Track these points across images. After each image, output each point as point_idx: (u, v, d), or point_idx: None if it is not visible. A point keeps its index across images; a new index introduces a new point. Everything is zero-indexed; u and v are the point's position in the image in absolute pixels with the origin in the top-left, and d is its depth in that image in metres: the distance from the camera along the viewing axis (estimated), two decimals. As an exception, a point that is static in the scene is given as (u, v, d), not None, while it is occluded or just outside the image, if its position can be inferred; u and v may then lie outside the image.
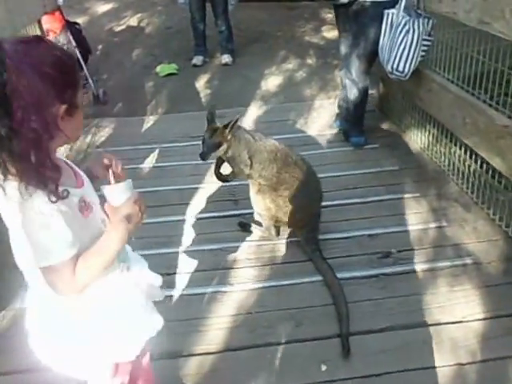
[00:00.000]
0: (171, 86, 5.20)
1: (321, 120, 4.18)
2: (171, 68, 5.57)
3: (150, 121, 4.40)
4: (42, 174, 1.08)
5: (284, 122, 4.19)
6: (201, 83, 5.27)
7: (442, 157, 3.26)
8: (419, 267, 2.46)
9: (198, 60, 5.73)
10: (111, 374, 1.43)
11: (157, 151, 3.79)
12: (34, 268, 1.18)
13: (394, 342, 2.06)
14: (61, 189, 1.12)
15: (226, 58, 5.71)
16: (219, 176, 2.65)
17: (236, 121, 2.40)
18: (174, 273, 2.51)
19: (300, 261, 2.55)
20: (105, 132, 4.18)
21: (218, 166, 2.64)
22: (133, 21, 7.32)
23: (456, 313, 2.18)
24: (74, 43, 4.99)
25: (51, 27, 5.01)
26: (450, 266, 2.45)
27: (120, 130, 4.20)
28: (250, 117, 4.31)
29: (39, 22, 3.83)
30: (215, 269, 2.52)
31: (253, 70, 5.50)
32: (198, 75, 5.44)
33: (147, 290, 1.46)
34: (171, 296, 2.36)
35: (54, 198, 1.10)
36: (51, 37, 4.98)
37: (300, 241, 2.61)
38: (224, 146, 2.42)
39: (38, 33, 3.81)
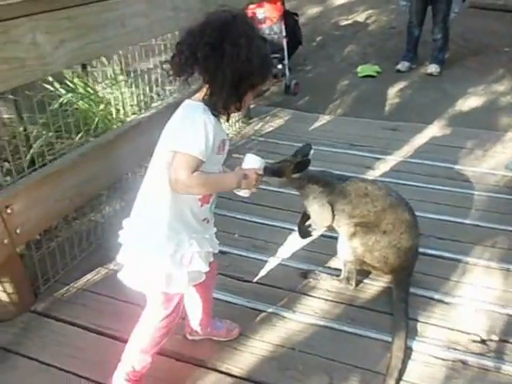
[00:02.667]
0: (363, 89, 4.91)
1: (502, 156, 3.51)
2: (372, 70, 5.25)
3: (322, 120, 4.21)
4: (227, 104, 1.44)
5: (457, 148, 3.62)
6: (394, 90, 4.87)
7: None
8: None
9: (403, 66, 5.29)
10: (162, 301, 1.62)
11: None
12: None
13: None
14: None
15: (433, 68, 5.16)
16: (300, 229, 2.42)
17: (304, 163, 2.08)
18: (249, 281, 2.36)
19: (377, 310, 2.17)
20: (276, 122, 4.13)
21: (302, 219, 2.39)
22: (361, 16, 7.07)
23: None
24: (284, 33, 5.01)
25: (269, 15, 5.10)
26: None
27: (290, 124, 4.11)
28: (424, 135, 3.82)
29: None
30: (289, 290, 2.30)
31: (456, 85, 4.87)
32: (395, 81, 5.03)
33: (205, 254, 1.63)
34: (233, 303, 2.22)
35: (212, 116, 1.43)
36: (267, 24, 5.09)
37: (390, 286, 2.22)
38: (282, 180, 2.13)
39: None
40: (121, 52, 3.70)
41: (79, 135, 3.37)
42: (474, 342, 2.01)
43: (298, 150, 2.17)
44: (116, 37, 2.38)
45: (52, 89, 3.51)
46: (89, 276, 2.40)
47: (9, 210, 1.94)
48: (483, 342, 2.01)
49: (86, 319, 2.15)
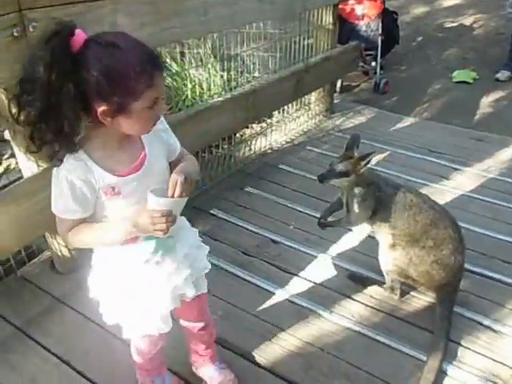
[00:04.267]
0: (455, 94, 4.57)
1: None
2: (468, 76, 4.87)
3: (406, 122, 3.97)
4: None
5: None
6: (487, 99, 4.48)
7: None
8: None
9: (502, 75, 4.87)
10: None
11: (385, 153, 3.41)
12: None
13: None
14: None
15: (535, 81, 4.70)
16: (323, 222, 2.16)
17: (372, 155, 1.91)
18: (294, 274, 2.28)
19: (418, 325, 2.01)
20: (358, 119, 3.96)
21: (329, 211, 2.18)
22: (467, 20, 6.58)
23: None
24: (380, 31, 4.79)
25: (368, 12, 4.90)
26: None
27: (372, 122, 3.92)
28: (510, 150, 3.48)
29: (335, 7, 3.70)
30: (331, 289, 2.19)
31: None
32: (491, 90, 4.64)
33: (179, 286, 1.39)
34: (273, 293, 2.16)
35: (58, 163, 1.16)
36: (364, 21, 4.88)
37: (434, 302, 2.05)
38: (350, 179, 1.94)
39: (330, 18, 3.66)
40: (215, 36, 3.71)
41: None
42: (515, 377, 1.80)
43: (348, 143, 2.00)
44: (196, 24, 2.36)
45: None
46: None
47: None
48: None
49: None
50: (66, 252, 2.22)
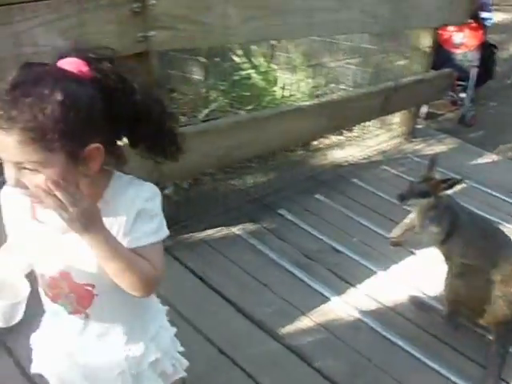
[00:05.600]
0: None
1: None
2: None
3: (487, 158, 3.90)
4: None
5: None
6: None
7: None
8: None
9: None
10: None
11: (463, 184, 3.37)
12: None
13: None
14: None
15: None
16: (395, 239, 2.23)
17: (458, 181, 1.96)
18: (352, 284, 2.33)
19: (470, 358, 2.01)
20: (438, 148, 3.92)
21: (403, 229, 2.21)
22: None
23: None
24: (476, 63, 4.73)
25: (467, 42, 4.84)
26: None
27: (452, 153, 3.88)
28: None
29: (434, 30, 3.72)
30: (388, 306, 2.23)
31: None
32: None
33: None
34: (329, 299, 2.23)
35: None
36: (461, 50, 4.85)
37: (491, 338, 2.05)
38: (430, 200, 1.99)
39: (428, 40, 3.68)
40: (307, 44, 3.84)
41: (249, 107, 3.58)
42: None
43: (428, 164, 2.07)
44: (301, 25, 2.48)
45: (238, 61, 3.77)
46: (212, 231, 2.57)
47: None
48: None
49: (195, 265, 2.32)
50: None
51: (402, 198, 2.02)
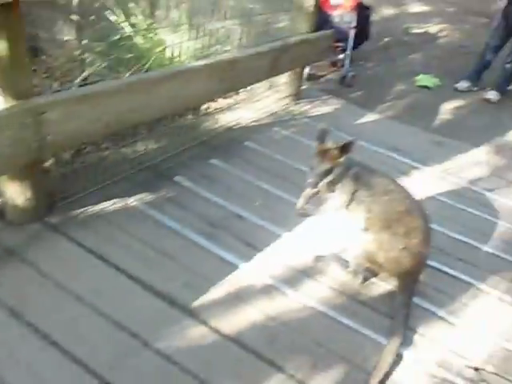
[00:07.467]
0: (417, 97, 4.76)
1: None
2: (431, 81, 5.07)
3: (370, 117, 4.08)
4: None
5: (498, 178, 3.46)
6: (447, 106, 4.70)
7: None
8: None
9: (462, 85, 5.11)
10: None
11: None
12: None
13: None
14: None
15: (491, 95, 4.96)
16: (302, 212, 2.24)
17: (352, 143, 1.99)
18: (260, 249, 2.29)
19: (379, 310, 2.09)
20: (323, 108, 4.02)
21: (305, 198, 2.22)
22: (434, 28, 6.84)
23: None
24: (353, 24, 4.87)
25: (343, 3, 4.96)
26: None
27: (337, 113, 4.00)
28: (467, 156, 3.67)
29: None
30: (296, 268, 2.23)
31: (512, 117, 4.68)
32: (450, 98, 4.86)
33: None
34: (237, 266, 2.17)
35: None
36: (338, 12, 4.95)
37: (395, 289, 2.14)
38: (335, 171, 2.02)
39: (312, 0, 3.67)
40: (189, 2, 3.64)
41: (131, 71, 3.33)
42: (469, 367, 1.92)
43: (319, 136, 2.06)
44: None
45: (116, 20, 3.48)
46: (106, 204, 2.38)
47: (44, 116, 1.91)
48: (477, 370, 1.92)
49: (94, 243, 2.13)
50: (20, 201, 2.12)
51: (314, 185, 2.03)
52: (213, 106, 3.64)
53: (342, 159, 2.01)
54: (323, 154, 2.00)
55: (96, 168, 2.56)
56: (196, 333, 1.84)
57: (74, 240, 2.12)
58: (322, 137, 2.04)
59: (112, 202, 2.40)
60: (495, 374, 1.91)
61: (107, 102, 2.18)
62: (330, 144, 2.02)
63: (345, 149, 1.99)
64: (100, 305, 1.84)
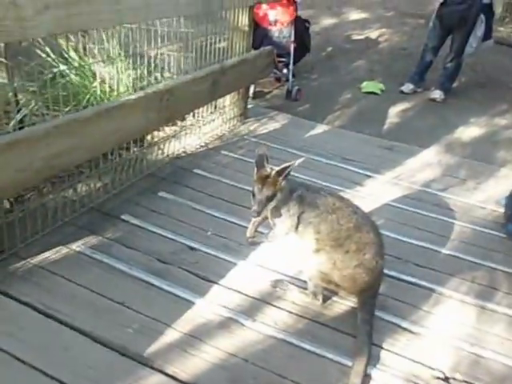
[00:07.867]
0: (364, 104, 4.80)
1: (494, 191, 3.37)
2: (376, 87, 5.14)
3: (319, 129, 4.08)
4: None
5: (449, 177, 3.50)
6: (394, 110, 4.76)
7: None
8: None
9: (407, 87, 5.19)
10: None
11: (300, 159, 3.44)
12: None
13: None
14: None
15: (437, 94, 5.06)
16: (251, 241, 2.20)
17: (290, 167, 1.94)
18: (214, 282, 2.21)
19: (341, 331, 2.03)
20: (272, 125, 4.00)
21: (254, 226, 2.19)
22: (373, 34, 6.97)
23: None
24: (293, 38, 4.91)
25: (281, 18, 5.01)
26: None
27: (286, 129, 3.98)
28: (418, 159, 3.70)
29: (251, 9, 3.71)
30: (253, 297, 2.16)
31: (458, 114, 4.77)
32: (397, 102, 4.93)
33: None
34: (192, 303, 2.08)
35: None
36: (277, 27, 4.98)
37: (356, 306, 2.09)
38: (278, 196, 1.96)
39: (246, 19, 3.66)
40: (123, 33, 3.57)
41: (67, 109, 3.23)
42: (437, 378, 1.88)
43: (257, 161, 2.00)
44: (108, 13, 2.25)
45: (47, 58, 3.37)
46: (48, 254, 2.25)
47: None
48: (446, 379, 1.87)
49: (37, 298, 2.00)
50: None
51: (258, 213, 1.96)
52: (158, 135, 3.56)
53: (283, 183, 1.95)
54: (263, 180, 1.94)
55: (36, 215, 2.44)
56: (152, 382, 1.73)
57: (14, 297, 1.99)
58: (260, 162, 1.98)
59: (55, 250, 2.28)
60: (465, 382, 1.87)
61: (35, 148, 2.07)
62: (268, 169, 1.97)
63: (283, 173, 1.93)
64: (43, 365, 1.72)
